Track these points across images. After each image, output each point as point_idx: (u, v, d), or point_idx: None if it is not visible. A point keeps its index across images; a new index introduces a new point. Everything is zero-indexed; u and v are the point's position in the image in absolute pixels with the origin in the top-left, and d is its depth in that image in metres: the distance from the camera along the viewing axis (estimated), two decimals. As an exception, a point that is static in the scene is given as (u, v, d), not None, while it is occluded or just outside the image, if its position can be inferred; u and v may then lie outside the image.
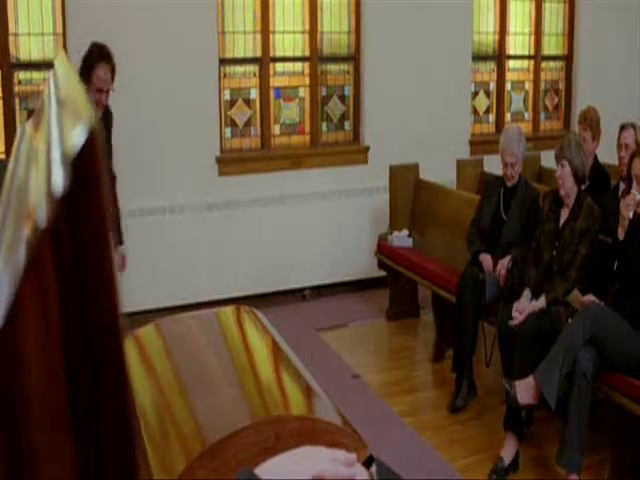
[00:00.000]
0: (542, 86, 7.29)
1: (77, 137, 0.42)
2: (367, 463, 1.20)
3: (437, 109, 6.29)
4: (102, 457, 0.44)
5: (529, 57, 7.25)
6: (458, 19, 6.47)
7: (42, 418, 0.42)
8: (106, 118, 4.09)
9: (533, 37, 7.23)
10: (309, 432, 1.45)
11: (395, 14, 6.06)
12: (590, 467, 3.52)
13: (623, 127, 4.80)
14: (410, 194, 5.56)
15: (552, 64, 7.37)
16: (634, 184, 3.55)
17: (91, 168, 0.42)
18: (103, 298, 0.43)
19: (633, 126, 4.78)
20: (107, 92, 3.95)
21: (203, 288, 5.44)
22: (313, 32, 5.98)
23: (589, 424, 3.39)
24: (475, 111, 6.92)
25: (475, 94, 6.91)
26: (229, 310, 2.30)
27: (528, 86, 7.27)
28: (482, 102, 6.99)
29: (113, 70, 3.95)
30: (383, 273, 5.62)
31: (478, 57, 6.85)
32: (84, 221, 0.42)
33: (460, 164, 5.78)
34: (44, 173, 0.42)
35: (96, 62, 3.89)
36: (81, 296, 0.42)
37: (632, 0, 7.40)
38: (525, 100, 7.25)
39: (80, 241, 0.42)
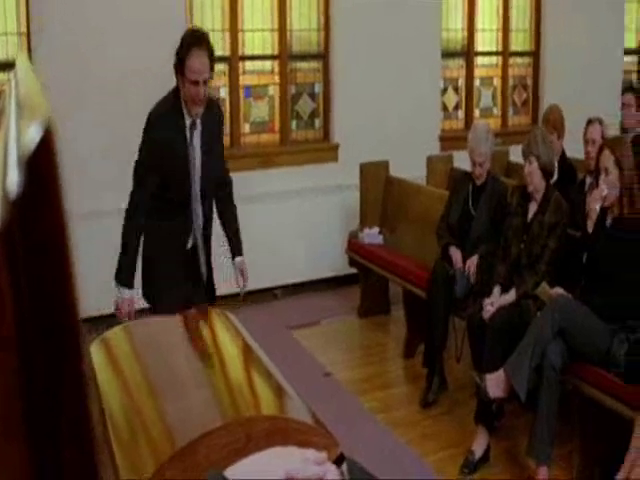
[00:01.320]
0: (510, 82, 7.36)
1: (32, 136, 0.41)
2: (338, 461, 1.21)
3: (407, 106, 6.32)
4: (60, 461, 0.44)
5: (497, 53, 7.31)
6: (427, 16, 6.50)
7: None
8: (211, 114, 3.44)
9: (501, 33, 7.29)
10: (280, 432, 1.45)
11: (364, 12, 6.08)
12: (559, 458, 3.57)
13: (589, 122, 4.87)
14: (381, 191, 5.59)
15: (520, 60, 7.45)
16: (602, 177, 3.59)
17: (47, 168, 0.42)
18: (59, 300, 0.43)
19: (599, 121, 4.85)
20: (205, 83, 3.27)
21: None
22: (282, 30, 5.98)
23: (558, 415, 3.44)
24: (444, 107, 6.97)
25: (444, 90, 6.96)
26: (198, 312, 2.30)
27: (497, 82, 7.34)
28: (451, 98, 7.04)
29: (211, 57, 3.29)
30: (354, 270, 5.64)
31: (447, 54, 6.90)
32: (39, 222, 0.42)
33: (430, 160, 5.82)
34: (0, 175, 0.42)
35: (187, 51, 3.23)
36: (36, 298, 0.42)
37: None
38: (494, 96, 7.31)
39: (35, 243, 0.42)
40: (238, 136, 5.89)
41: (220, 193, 3.63)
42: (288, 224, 5.85)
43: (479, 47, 7.18)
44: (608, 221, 3.64)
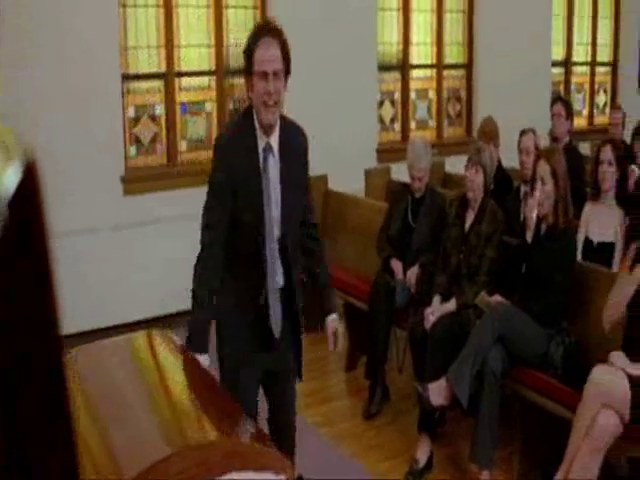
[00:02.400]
0: (445, 94, 7.48)
1: (10, 178, 0.40)
2: None
3: (344, 120, 6.37)
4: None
5: (432, 66, 7.44)
6: (363, 31, 6.57)
7: None
8: (293, 140, 2.79)
9: (435, 47, 7.42)
10: (236, 456, 1.41)
11: (301, 27, 6.09)
12: (500, 460, 3.62)
13: (523, 132, 4.99)
14: (320, 205, 5.59)
15: (454, 72, 7.59)
16: (537, 186, 3.68)
17: (29, 207, 0.42)
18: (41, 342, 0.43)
19: (532, 131, 4.98)
20: (276, 76, 2.61)
21: (112, 311, 5.30)
22: (219, 45, 5.97)
23: (499, 419, 3.49)
24: (381, 120, 7.05)
25: (381, 103, 7.04)
26: (141, 335, 2.25)
27: (432, 94, 7.46)
28: (388, 111, 7.12)
29: (283, 50, 2.66)
30: (295, 286, 5.62)
31: (383, 67, 6.99)
32: (22, 263, 0.41)
33: (368, 173, 5.87)
34: None
35: (254, 42, 2.65)
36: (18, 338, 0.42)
37: (527, 9, 7.70)
38: (429, 108, 7.42)
39: (18, 280, 0.41)
40: (175, 154, 5.84)
41: (308, 244, 2.96)
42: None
43: (414, 60, 7.29)
44: (543, 229, 3.72)
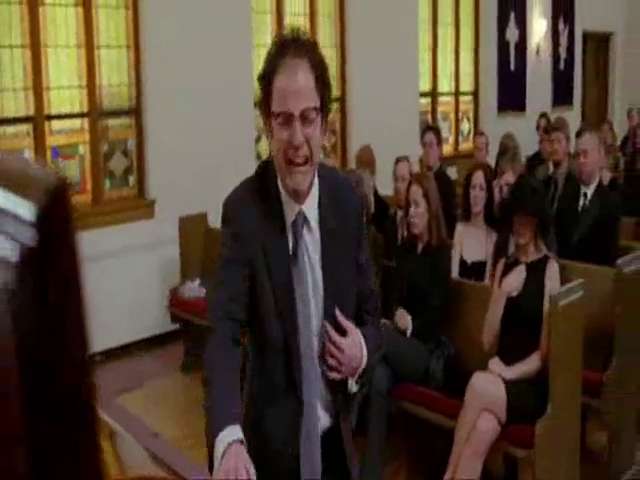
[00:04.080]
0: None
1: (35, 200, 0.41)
2: None
3: (222, 157, 6.39)
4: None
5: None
6: (238, 65, 6.63)
7: None
8: (340, 202, 1.91)
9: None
10: None
11: (175, 63, 6.10)
12: (389, 475, 3.71)
13: (398, 160, 5.19)
14: (200, 243, 5.59)
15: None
16: (411, 209, 3.84)
17: (60, 223, 0.42)
18: (73, 362, 0.43)
19: (407, 159, 5.19)
20: (306, 120, 1.71)
21: None
22: (91, 86, 5.86)
23: (386, 435, 3.59)
24: (258, 156, 7.12)
25: (257, 139, 7.12)
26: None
27: (308, 129, 7.60)
28: (264, 146, 7.21)
29: (317, 69, 1.75)
30: (177, 326, 5.57)
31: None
32: (55, 273, 0.42)
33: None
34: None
35: (272, 66, 1.76)
36: (45, 356, 0.41)
37: (395, 43, 8.04)
38: (306, 142, 7.57)
39: (47, 300, 0.41)
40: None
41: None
42: (105, 287, 5.57)
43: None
44: (419, 248, 3.88)
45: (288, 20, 7.36)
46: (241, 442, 1.61)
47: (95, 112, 5.88)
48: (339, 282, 1.89)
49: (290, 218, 1.84)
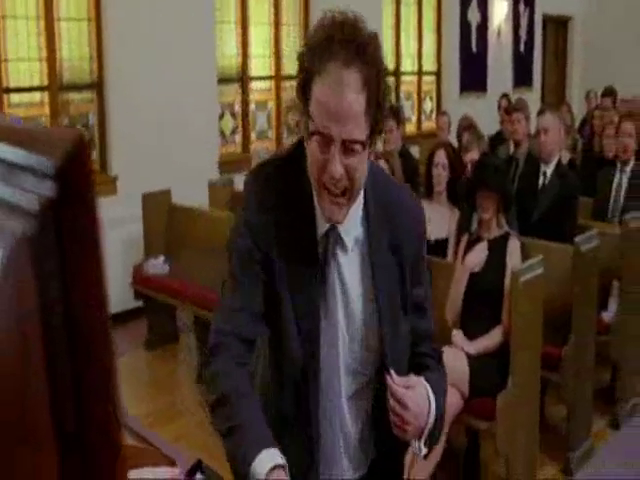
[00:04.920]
0: (284, 105, 7.65)
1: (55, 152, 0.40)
2: (191, 472, 1.22)
3: (186, 133, 6.35)
4: (87, 464, 0.43)
5: (270, 78, 7.57)
6: (202, 43, 6.59)
7: (21, 429, 0.40)
8: (387, 214, 1.57)
9: (273, 59, 7.57)
10: (132, 458, 1.43)
11: (138, 40, 6.03)
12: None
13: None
14: (164, 220, 5.56)
15: (293, 83, 7.75)
16: None
17: (80, 177, 0.41)
18: (92, 316, 0.42)
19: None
20: (349, 148, 1.39)
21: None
22: (51, 59, 5.76)
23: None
24: (222, 133, 7.09)
25: (221, 116, 7.08)
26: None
27: (271, 106, 7.59)
28: (228, 123, 7.18)
29: (370, 80, 1.39)
30: (140, 303, 5.55)
31: (223, 80, 7.03)
32: (75, 225, 0.41)
33: (211, 186, 5.90)
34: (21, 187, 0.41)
35: (316, 63, 1.39)
36: (65, 302, 0.40)
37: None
38: (269, 119, 7.55)
39: (67, 252, 0.41)
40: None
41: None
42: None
43: (253, 72, 7.40)
44: None
45: (252, -4, 7.31)
46: (283, 468, 1.36)
47: (55, 85, 5.79)
48: (390, 321, 1.55)
49: (322, 228, 1.51)
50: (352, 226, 1.51)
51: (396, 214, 1.56)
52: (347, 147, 1.37)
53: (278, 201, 1.49)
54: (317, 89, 1.38)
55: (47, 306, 0.40)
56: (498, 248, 3.51)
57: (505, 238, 3.54)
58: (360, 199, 1.50)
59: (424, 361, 1.63)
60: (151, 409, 4.52)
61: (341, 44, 1.36)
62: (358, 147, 1.38)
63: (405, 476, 1.78)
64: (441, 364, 1.66)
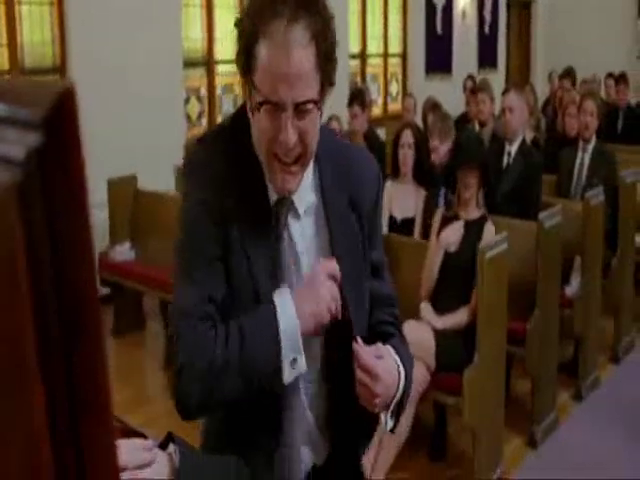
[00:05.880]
0: (250, 89, 7.62)
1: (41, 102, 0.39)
2: (163, 444, 1.23)
3: (152, 118, 6.30)
4: (75, 426, 0.41)
5: (236, 61, 7.54)
6: (167, 27, 6.53)
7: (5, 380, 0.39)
8: (343, 176, 1.51)
9: (237, 42, 7.53)
10: None
11: (102, 23, 5.96)
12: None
13: (330, 119, 5.22)
14: (130, 206, 5.52)
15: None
16: None
17: (67, 126, 0.40)
18: (79, 263, 0.41)
19: (337, 119, 5.21)
20: (301, 111, 1.31)
21: None
22: (12, 43, 5.68)
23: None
24: (188, 117, 7.05)
25: (187, 100, 7.04)
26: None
27: (238, 89, 7.56)
28: (194, 107, 7.14)
29: (319, 37, 1.31)
30: (106, 290, 5.53)
31: (188, 63, 6.99)
32: (61, 177, 0.40)
33: (178, 170, 5.87)
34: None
35: (258, 23, 1.28)
36: (55, 258, 0.40)
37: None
38: (235, 103, 7.53)
39: (54, 202, 0.40)
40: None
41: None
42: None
43: (219, 56, 7.36)
44: None
45: (216, -21, 7.26)
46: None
47: (17, 70, 5.70)
48: (353, 286, 1.48)
49: (273, 197, 1.43)
50: (305, 193, 1.44)
51: (353, 170, 1.50)
52: (300, 109, 1.29)
53: (226, 173, 1.40)
54: (261, 53, 1.27)
55: (35, 251, 0.39)
56: (474, 231, 3.52)
57: (481, 222, 3.57)
58: (311, 164, 1.42)
59: (387, 329, 1.56)
60: (118, 396, 4.50)
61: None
62: (311, 106, 1.30)
63: (367, 476, 1.70)
64: (402, 333, 1.63)
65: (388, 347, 1.46)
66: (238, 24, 1.33)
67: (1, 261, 0.38)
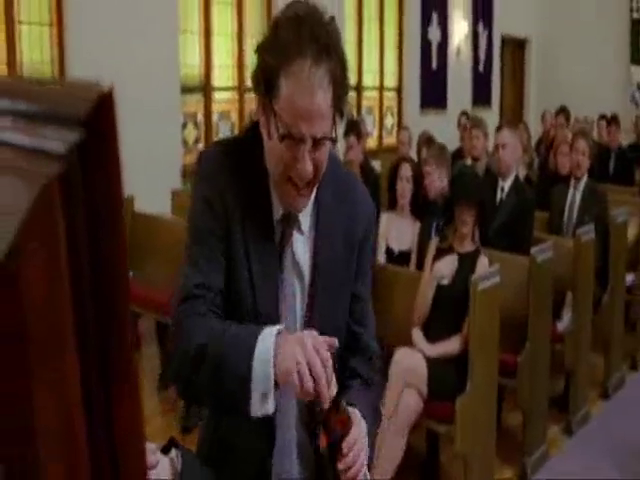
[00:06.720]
0: (246, 116, 7.69)
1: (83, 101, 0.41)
2: (165, 449, 1.24)
3: (149, 142, 6.33)
4: (108, 398, 0.43)
5: (233, 88, 7.61)
6: (165, 53, 6.59)
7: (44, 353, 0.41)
8: (340, 202, 1.58)
9: (236, 69, 7.61)
10: None
11: (100, 46, 6.01)
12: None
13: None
14: (126, 228, 5.52)
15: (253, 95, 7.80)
16: None
17: (105, 125, 0.43)
18: (114, 253, 0.43)
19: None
20: (318, 143, 1.40)
21: None
22: (12, 62, 5.71)
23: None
24: (185, 142, 7.10)
25: (184, 125, 7.09)
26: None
27: (234, 116, 7.62)
28: (191, 133, 7.19)
29: (336, 80, 1.39)
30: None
31: (186, 89, 7.05)
32: (98, 176, 0.42)
33: (175, 194, 5.91)
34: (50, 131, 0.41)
35: (282, 64, 1.37)
36: (93, 246, 0.41)
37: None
38: (232, 130, 7.58)
39: (94, 195, 0.42)
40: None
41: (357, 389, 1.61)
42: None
43: (216, 82, 7.43)
44: None
45: (216, 8, 7.36)
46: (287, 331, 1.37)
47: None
48: (333, 297, 1.55)
49: (278, 213, 1.51)
50: (307, 210, 1.53)
51: (350, 196, 1.59)
52: (316, 143, 1.39)
53: (233, 181, 1.48)
54: (284, 86, 1.36)
55: (74, 244, 0.41)
56: (467, 264, 3.54)
57: (476, 254, 3.60)
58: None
59: (350, 382, 1.58)
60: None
61: (309, 43, 1.34)
62: (327, 141, 1.41)
63: None
64: (376, 378, 1.65)
65: (356, 412, 1.44)
66: (260, 51, 1.41)
67: (45, 246, 0.40)
